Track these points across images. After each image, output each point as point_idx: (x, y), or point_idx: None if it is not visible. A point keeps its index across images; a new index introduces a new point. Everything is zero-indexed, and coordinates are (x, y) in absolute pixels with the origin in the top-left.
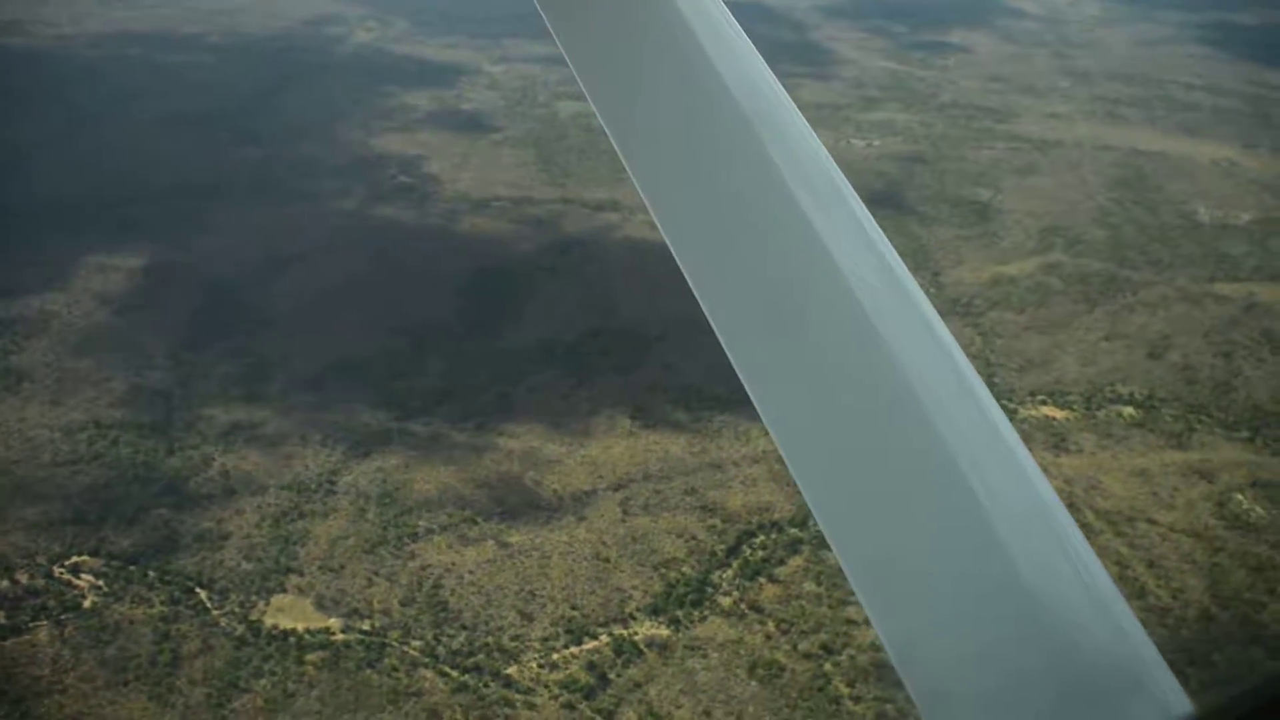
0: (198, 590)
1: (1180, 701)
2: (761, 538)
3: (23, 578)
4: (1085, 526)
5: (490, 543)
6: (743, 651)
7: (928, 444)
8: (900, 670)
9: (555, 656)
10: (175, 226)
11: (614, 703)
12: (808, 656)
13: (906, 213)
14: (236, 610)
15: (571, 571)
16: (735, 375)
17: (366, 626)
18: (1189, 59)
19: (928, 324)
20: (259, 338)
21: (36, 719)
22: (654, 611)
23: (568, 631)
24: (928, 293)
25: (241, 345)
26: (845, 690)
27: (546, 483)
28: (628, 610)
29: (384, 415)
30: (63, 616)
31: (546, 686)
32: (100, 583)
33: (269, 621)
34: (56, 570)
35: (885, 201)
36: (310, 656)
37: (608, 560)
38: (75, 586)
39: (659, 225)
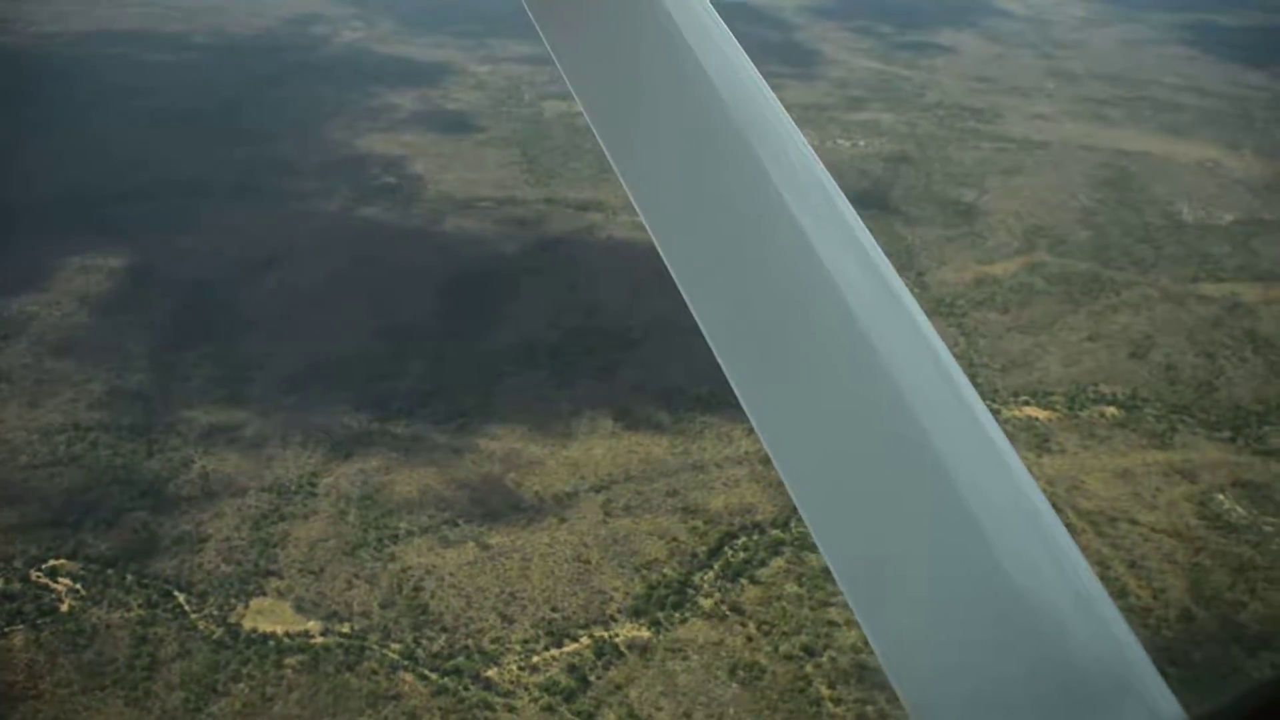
0: (176, 593)
1: (1169, 706)
2: (743, 539)
3: None
4: (1067, 527)
5: (471, 544)
6: (724, 653)
7: (916, 445)
8: (889, 671)
9: (535, 659)
10: (157, 226)
11: (594, 705)
12: (789, 658)
13: (891, 213)
14: (215, 613)
15: (552, 573)
16: (718, 376)
17: (346, 629)
18: (1173, 60)
19: (915, 325)
20: (240, 339)
21: None
22: (635, 613)
23: (548, 633)
24: (913, 293)
25: (223, 346)
26: (827, 692)
27: (528, 484)
28: (609, 612)
29: (365, 416)
30: (39, 621)
31: (526, 689)
32: (78, 586)
33: (248, 624)
34: (33, 574)
35: (870, 202)
36: (289, 660)
37: (589, 562)
38: (52, 590)
39: (646, 225)
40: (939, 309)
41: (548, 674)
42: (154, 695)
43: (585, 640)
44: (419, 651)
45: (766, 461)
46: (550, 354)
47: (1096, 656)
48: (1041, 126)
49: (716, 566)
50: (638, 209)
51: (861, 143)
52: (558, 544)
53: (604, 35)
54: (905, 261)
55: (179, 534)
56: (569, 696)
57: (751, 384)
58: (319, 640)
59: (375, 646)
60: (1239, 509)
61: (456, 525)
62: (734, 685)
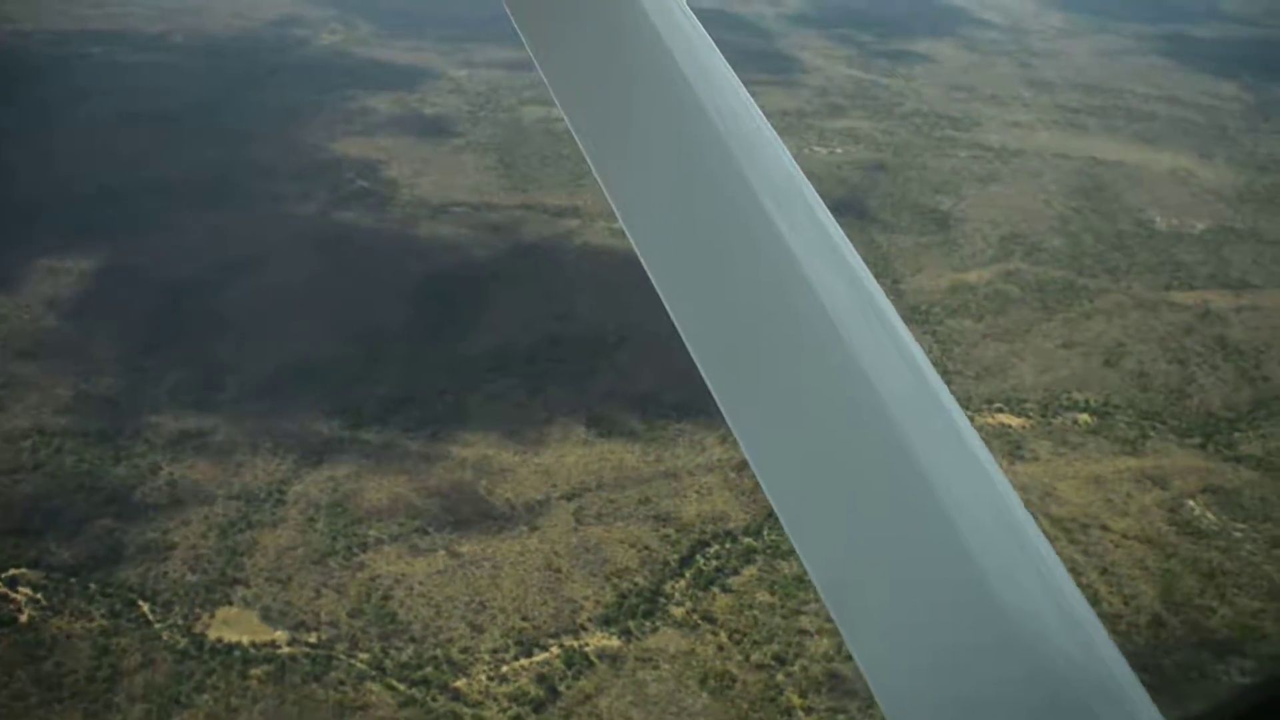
0: (140, 603)
1: (1151, 715)
2: (715, 547)
3: None
4: None
5: (441, 553)
6: (694, 662)
7: (897, 451)
8: (869, 680)
9: (505, 669)
10: (129, 228)
11: (564, 715)
12: (760, 667)
13: (868, 220)
14: (180, 623)
15: (523, 582)
16: (692, 383)
17: (313, 639)
18: (1148, 70)
19: (895, 332)
20: (212, 343)
21: None
22: (605, 622)
23: (518, 643)
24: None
25: (194, 351)
26: (798, 701)
27: (499, 492)
28: (579, 621)
29: (337, 423)
30: None
31: (495, 699)
32: (39, 596)
33: (213, 634)
34: None
35: (847, 209)
36: (255, 670)
37: (559, 570)
38: (11, 600)
39: (626, 229)
40: (914, 316)
41: (517, 684)
42: (115, 707)
43: (555, 650)
44: (387, 661)
45: (739, 469)
46: (524, 360)
47: (1078, 665)
48: (1018, 135)
49: (688, 575)
50: (618, 214)
51: (839, 150)
52: (528, 552)
53: (586, 40)
54: (881, 269)
55: (144, 542)
56: (538, 706)
57: (731, 390)
58: (285, 650)
59: (343, 656)
60: (1209, 515)
61: (427, 533)
62: (704, 695)
